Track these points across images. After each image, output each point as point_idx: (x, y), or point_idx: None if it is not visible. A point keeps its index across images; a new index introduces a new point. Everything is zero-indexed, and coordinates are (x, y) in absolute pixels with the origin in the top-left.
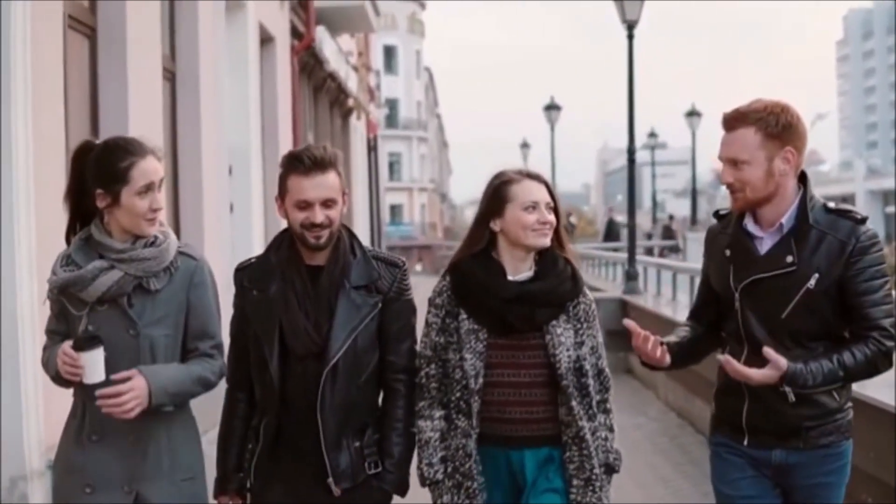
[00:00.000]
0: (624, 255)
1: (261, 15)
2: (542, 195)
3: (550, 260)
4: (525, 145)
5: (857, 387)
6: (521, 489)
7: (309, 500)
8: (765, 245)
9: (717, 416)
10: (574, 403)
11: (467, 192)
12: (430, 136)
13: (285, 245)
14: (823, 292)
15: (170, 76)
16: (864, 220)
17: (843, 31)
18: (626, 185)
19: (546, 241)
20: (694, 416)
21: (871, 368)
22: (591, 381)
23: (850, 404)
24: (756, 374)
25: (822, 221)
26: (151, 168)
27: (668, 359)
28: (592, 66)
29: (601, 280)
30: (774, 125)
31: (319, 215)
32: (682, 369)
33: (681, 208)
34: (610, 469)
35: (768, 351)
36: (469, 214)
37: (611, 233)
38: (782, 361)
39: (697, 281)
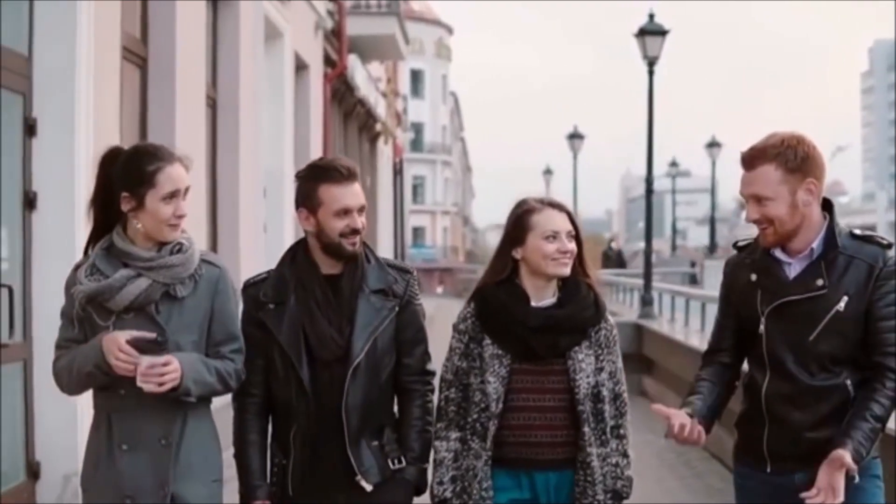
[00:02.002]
0: (640, 282)
1: (296, 44)
2: (562, 224)
3: (573, 286)
4: (548, 171)
5: None
6: None
7: (337, 501)
8: (793, 270)
9: (738, 446)
10: (586, 429)
11: (490, 216)
12: (455, 160)
13: (300, 257)
14: (852, 316)
15: (211, 103)
16: (889, 246)
17: (869, 63)
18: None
19: (566, 271)
20: None
21: None
22: (606, 407)
23: None
24: (839, 492)
25: (849, 247)
26: (178, 175)
27: (704, 437)
28: (617, 91)
29: (617, 305)
30: (793, 159)
31: (358, 221)
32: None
33: (702, 236)
34: (618, 495)
35: (834, 458)
36: (491, 238)
37: (612, 260)
38: (846, 458)
39: (709, 307)
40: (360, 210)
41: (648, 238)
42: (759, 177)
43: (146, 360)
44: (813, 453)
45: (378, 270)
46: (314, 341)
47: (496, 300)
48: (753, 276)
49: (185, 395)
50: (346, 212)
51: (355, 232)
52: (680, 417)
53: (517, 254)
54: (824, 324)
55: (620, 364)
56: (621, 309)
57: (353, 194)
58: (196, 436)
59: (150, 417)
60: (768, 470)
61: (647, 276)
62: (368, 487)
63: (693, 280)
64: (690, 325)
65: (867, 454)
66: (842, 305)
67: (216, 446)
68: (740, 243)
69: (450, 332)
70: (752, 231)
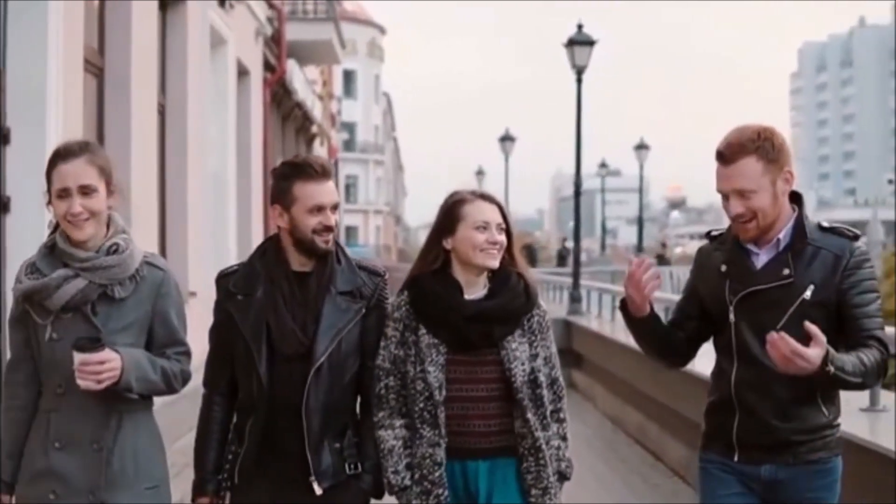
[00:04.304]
0: (569, 280)
1: (239, 51)
2: (493, 216)
3: (503, 277)
4: (480, 172)
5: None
6: (475, 498)
7: (291, 500)
8: (761, 260)
9: (707, 434)
10: (530, 415)
11: (421, 215)
12: (387, 159)
13: (271, 252)
14: (818, 304)
15: (161, 109)
16: (857, 237)
17: (798, 64)
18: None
19: (494, 263)
20: (626, 423)
21: (879, 372)
22: (545, 392)
23: (839, 421)
24: (809, 351)
25: (817, 238)
26: (69, 172)
27: (647, 307)
28: (549, 89)
29: (548, 302)
30: (772, 150)
31: (331, 218)
32: (642, 340)
33: (633, 235)
34: (562, 476)
35: (810, 326)
36: (423, 237)
37: (564, 259)
38: (822, 337)
39: None
40: (334, 208)
41: (577, 238)
42: (742, 170)
43: (79, 357)
44: (781, 445)
45: (348, 272)
46: (276, 335)
47: (431, 289)
48: (723, 267)
49: (126, 390)
50: (319, 209)
51: (328, 229)
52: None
53: (447, 244)
54: (791, 312)
55: (554, 349)
56: (551, 306)
57: (326, 192)
58: (132, 441)
59: (83, 419)
60: (735, 459)
61: (576, 273)
62: (319, 490)
63: None
64: (617, 320)
65: (847, 372)
66: (808, 294)
67: (155, 451)
68: (713, 233)
69: None
70: (682, 231)
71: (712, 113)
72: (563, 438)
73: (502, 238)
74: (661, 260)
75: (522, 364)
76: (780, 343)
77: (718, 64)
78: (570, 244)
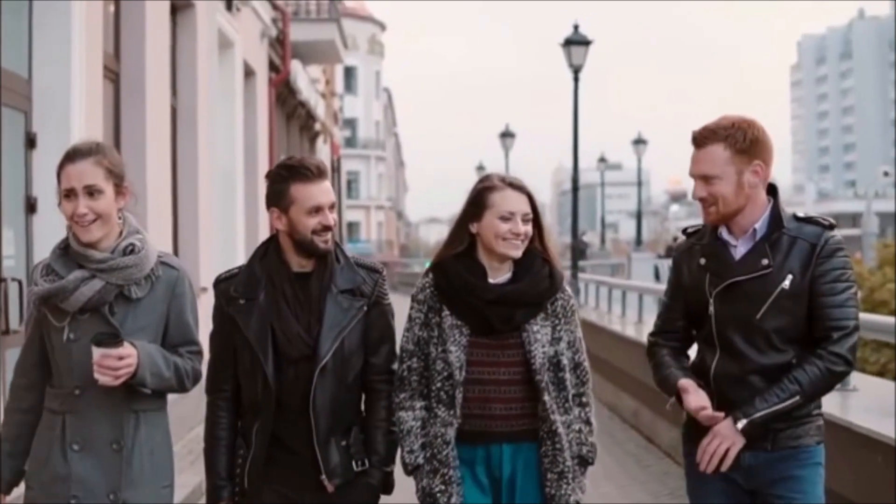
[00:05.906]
0: (567, 273)
1: (245, 52)
2: (520, 206)
3: (527, 261)
4: (480, 168)
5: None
6: (499, 482)
7: (301, 500)
8: (739, 251)
9: (688, 425)
10: (547, 398)
11: (423, 210)
12: (388, 154)
13: (271, 254)
14: (797, 294)
15: (173, 111)
16: (832, 226)
17: (797, 57)
18: (580, 205)
19: (516, 253)
20: (621, 409)
21: (829, 378)
22: (567, 375)
23: (818, 410)
24: (716, 429)
25: (793, 228)
26: (74, 173)
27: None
28: (548, 84)
29: None
30: (742, 140)
31: (330, 218)
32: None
33: (632, 229)
34: (584, 461)
35: (702, 416)
36: (424, 232)
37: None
38: (718, 415)
39: (629, 296)
40: (332, 207)
41: (574, 232)
42: (708, 156)
43: (99, 352)
44: (760, 434)
45: (347, 270)
46: (281, 338)
47: (455, 273)
48: (703, 260)
49: (141, 385)
50: (317, 209)
51: (327, 228)
52: (703, 402)
53: (473, 228)
54: (770, 302)
55: (580, 334)
56: None
57: (323, 192)
58: (149, 441)
59: (102, 420)
60: None
61: (574, 266)
62: (330, 488)
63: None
64: (614, 311)
65: (767, 408)
66: (787, 283)
67: (169, 451)
68: (690, 230)
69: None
70: (683, 224)
71: (714, 106)
72: (587, 422)
73: (527, 228)
74: (669, 252)
75: (543, 347)
76: (707, 460)
77: (719, 57)
78: (587, 238)
